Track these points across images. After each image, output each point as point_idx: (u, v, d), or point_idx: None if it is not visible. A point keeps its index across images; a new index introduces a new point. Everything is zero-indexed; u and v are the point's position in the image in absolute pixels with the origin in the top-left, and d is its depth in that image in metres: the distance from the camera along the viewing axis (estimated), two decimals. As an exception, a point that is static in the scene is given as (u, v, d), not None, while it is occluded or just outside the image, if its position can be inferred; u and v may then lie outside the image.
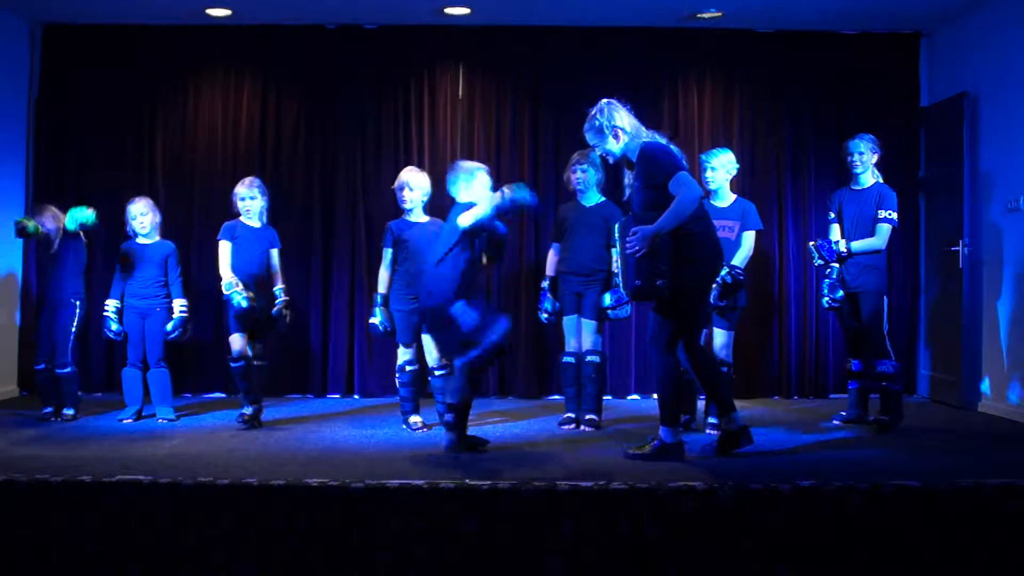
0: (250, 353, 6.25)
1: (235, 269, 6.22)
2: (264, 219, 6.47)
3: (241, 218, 6.40)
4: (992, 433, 6.19)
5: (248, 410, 6.21)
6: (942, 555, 4.20)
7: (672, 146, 5.11)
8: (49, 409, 6.46)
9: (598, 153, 5.34)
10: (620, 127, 5.03)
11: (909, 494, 4.26)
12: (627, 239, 4.85)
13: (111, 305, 6.46)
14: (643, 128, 5.11)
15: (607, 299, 6.08)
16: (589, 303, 6.13)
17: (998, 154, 7.06)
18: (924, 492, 4.28)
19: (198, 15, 7.63)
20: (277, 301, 6.38)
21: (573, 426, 6.12)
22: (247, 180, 6.46)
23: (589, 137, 5.16)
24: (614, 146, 5.07)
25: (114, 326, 6.44)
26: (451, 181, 5.55)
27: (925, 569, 4.18)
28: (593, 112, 5.11)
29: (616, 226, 5.24)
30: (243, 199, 6.38)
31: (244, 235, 6.35)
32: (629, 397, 7.83)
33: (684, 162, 5.03)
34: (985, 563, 4.20)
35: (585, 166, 6.14)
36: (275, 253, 6.47)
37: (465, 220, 5.23)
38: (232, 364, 6.21)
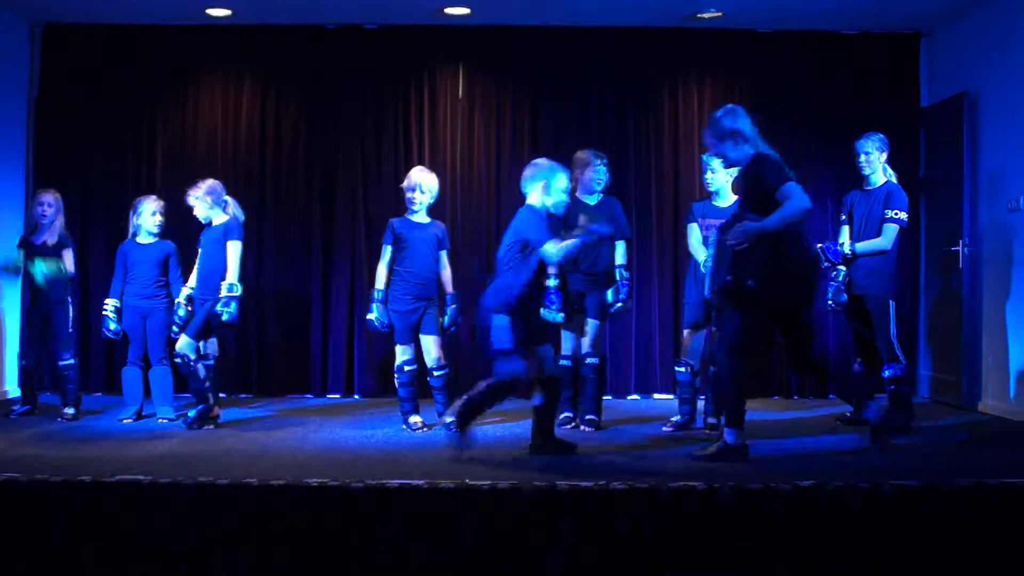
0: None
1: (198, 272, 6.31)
2: (228, 215, 6.35)
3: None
4: (992, 433, 6.18)
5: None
6: (942, 555, 4.19)
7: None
8: (25, 408, 6.54)
9: (712, 156, 5.28)
10: (741, 133, 5.02)
11: (909, 494, 4.26)
12: (729, 232, 4.83)
13: (110, 304, 6.47)
14: (759, 137, 5.09)
15: (610, 295, 6.09)
16: (594, 303, 6.12)
17: (998, 154, 7.06)
18: (924, 492, 4.28)
19: (198, 15, 7.63)
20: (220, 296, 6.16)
21: (571, 426, 6.12)
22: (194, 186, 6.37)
23: (709, 140, 5.14)
24: (732, 152, 5.06)
25: (112, 325, 6.45)
26: (531, 178, 5.32)
27: (925, 569, 4.18)
28: (718, 115, 5.10)
29: (714, 230, 5.18)
30: (191, 207, 6.33)
31: (205, 237, 6.33)
32: (629, 397, 7.83)
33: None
34: (985, 563, 4.20)
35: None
36: (229, 246, 6.21)
37: (554, 253, 5.07)
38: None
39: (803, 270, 5.01)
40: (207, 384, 6.16)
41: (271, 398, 7.54)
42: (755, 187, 4.93)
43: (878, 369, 6.19)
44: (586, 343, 6.14)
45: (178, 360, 6.12)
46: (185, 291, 6.35)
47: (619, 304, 6.14)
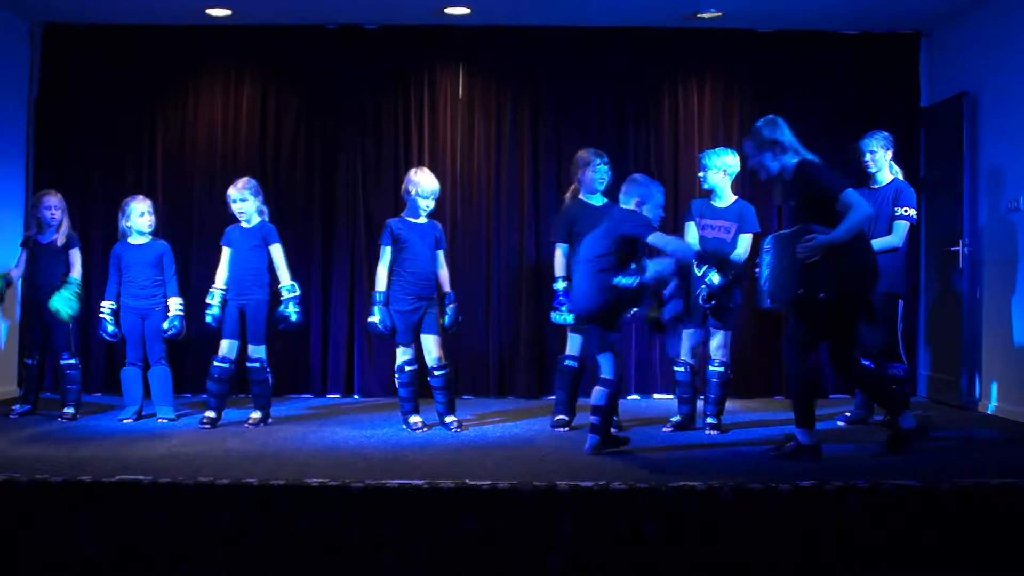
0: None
1: (229, 272, 6.33)
2: (262, 218, 6.44)
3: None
4: (992, 433, 6.18)
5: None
6: (942, 555, 4.20)
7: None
8: (25, 408, 6.55)
9: (752, 166, 5.32)
10: (781, 143, 5.07)
11: (909, 494, 4.26)
12: (799, 246, 4.87)
13: (106, 307, 6.46)
14: (800, 146, 5.13)
15: None
16: None
17: (998, 154, 7.06)
18: (924, 492, 4.28)
19: (198, 15, 7.63)
20: (283, 299, 6.31)
21: (566, 428, 6.11)
22: (239, 182, 6.45)
23: (750, 150, 5.18)
24: (771, 162, 5.11)
25: (110, 328, 6.44)
26: (626, 194, 5.40)
27: (925, 569, 4.18)
28: (759, 125, 5.16)
29: (769, 239, 5.21)
30: (234, 202, 6.38)
31: (238, 238, 6.38)
32: (629, 397, 7.83)
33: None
34: (985, 563, 4.20)
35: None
36: (274, 250, 6.36)
37: (672, 246, 5.20)
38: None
39: (866, 277, 5.05)
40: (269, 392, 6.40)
41: (271, 398, 7.54)
42: (809, 196, 4.97)
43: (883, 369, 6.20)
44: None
45: (255, 365, 6.28)
46: (217, 292, 6.30)
47: (634, 310, 6.12)
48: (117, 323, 6.46)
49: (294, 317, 6.28)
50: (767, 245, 5.16)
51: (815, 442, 5.05)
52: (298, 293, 6.33)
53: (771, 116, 5.19)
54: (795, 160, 5.06)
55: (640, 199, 5.35)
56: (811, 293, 4.89)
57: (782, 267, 4.98)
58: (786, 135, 5.09)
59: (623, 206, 5.42)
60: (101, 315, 6.46)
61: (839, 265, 4.88)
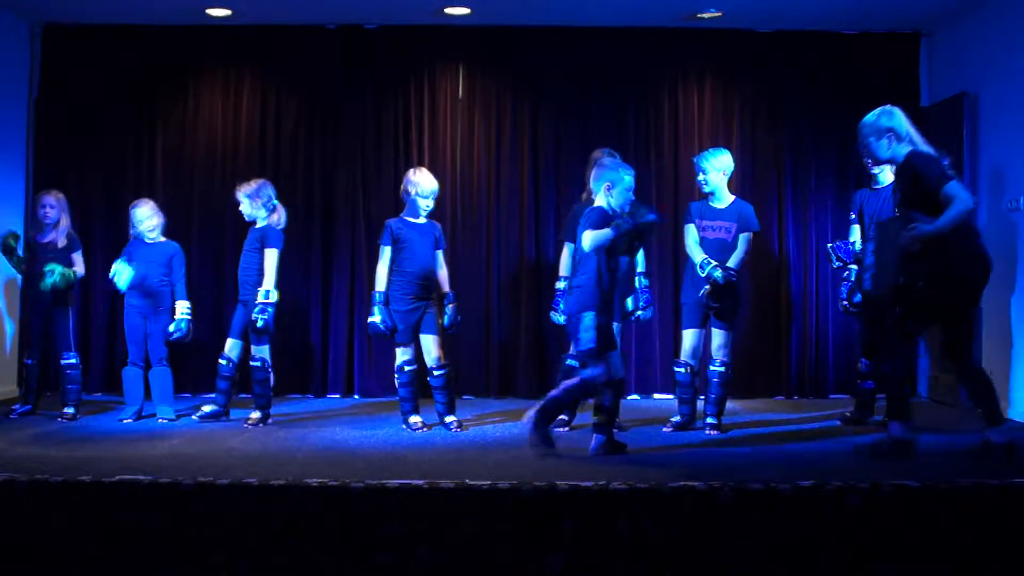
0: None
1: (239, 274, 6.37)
2: (268, 221, 6.42)
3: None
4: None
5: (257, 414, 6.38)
6: (942, 555, 4.19)
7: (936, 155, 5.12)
8: (25, 408, 6.55)
9: (864, 154, 5.33)
10: (896, 132, 5.05)
11: (909, 494, 4.26)
12: (903, 235, 4.86)
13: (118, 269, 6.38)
14: (917, 136, 5.09)
15: (629, 303, 6.08)
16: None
17: (998, 154, 7.05)
18: (924, 492, 4.28)
19: (198, 15, 7.63)
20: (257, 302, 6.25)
21: (566, 428, 6.10)
22: (245, 183, 6.47)
23: (865, 139, 5.15)
24: (884, 151, 5.10)
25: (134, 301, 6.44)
26: (596, 179, 5.38)
27: (925, 569, 4.18)
28: (876, 115, 5.12)
29: (874, 225, 5.23)
30: (238, 202, 6.41)
31: (247, 238, 6.42)
32: (629, 397, 7.82)
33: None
34: (985, 563, 4.20)
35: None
36: (268, 253, 6.31)
37: (586, 243, 5.14)
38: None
39: (971, 269, 5.03)
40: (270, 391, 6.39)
41: (271, 398, 7.53)
42: (914, 185, 4.95)
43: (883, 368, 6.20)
44: None
45: (257, 364, 6.29)
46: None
47: (639, 312, 6.14)
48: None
49: (260, 323, 6.18)
50: (871, 233, 5.18)
51: (910, 435, 5.03)
52: (272, 301, 6.23)
53: (887, 107, 5.15)
54: (906, 150, 5.04)
55: (611, 183, 5.29)
56: (912, 282, 4.88)
57: (885, 255, 4.99)
58: (901, 125, 5.06)
59: (594, 192, 5.38)
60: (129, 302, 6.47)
61: (943, 256, 4.86)
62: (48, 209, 6.54)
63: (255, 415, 6.32)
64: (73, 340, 6.56)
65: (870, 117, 5.13)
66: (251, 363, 6.34)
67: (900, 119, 5.07)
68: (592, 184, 5.44)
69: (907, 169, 5.01)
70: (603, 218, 5.18)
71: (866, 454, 5.09)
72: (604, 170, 5.38)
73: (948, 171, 4.98)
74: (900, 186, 5.08)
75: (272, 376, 6.39)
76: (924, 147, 5.06)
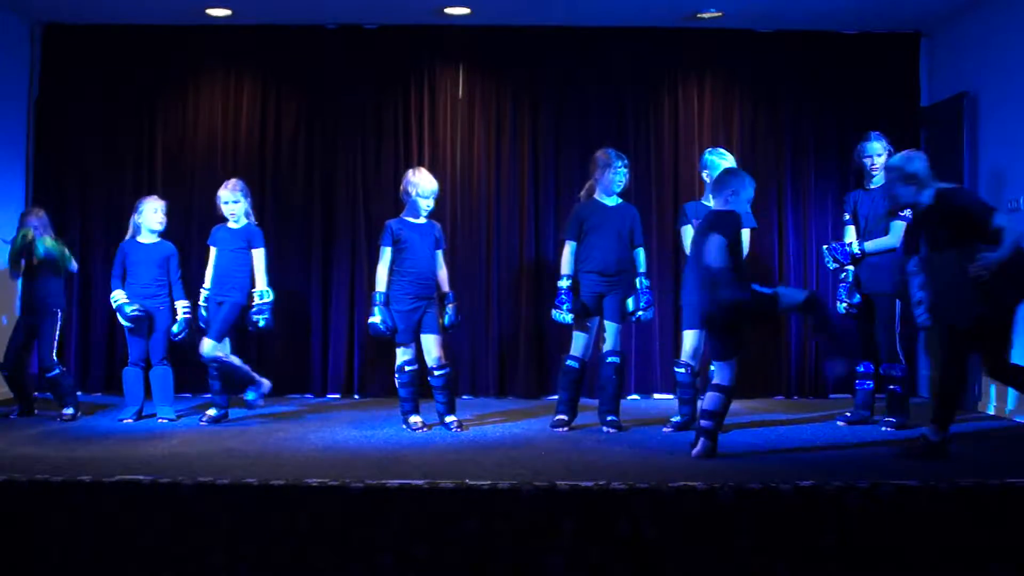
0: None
1: (214, 273, 6.37)
2: (249, 220, 6.46)
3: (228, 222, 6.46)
4: (992, 433, 6.18)
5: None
6: (942, 555, 4.20)
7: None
8: (21, 407, 6.54)
9: (888, 197, 5.49)
10: (917, 177, 5.19)
11: (909, 494, 4.27)
12: (972, 267, 4.99)
13: (119, 295, 6.41)
14: (930, 176, 5.25)
15: (630, 304, 6.09)
16: (613, 304, 6.10)
17: (998, 154, 7.06)
18: (924, 492, 4.28)
19: (198, 15, 7.63)
20: (254, 304, 6.33)
21: (565, 429, 6.10)
22: (228, 183, 6.48)
23: (892, 182, 5.29)
24: (909, 195, 5.23)
25: (128, 309, 6.36)
26: (723, 183, 5.38)
27: (925, 569, 4.19)
28: (903, 160, 5.26)
29: (913, 261, 5.40)
30: (226, 203, 6.40)
31: (224, 238, 6.41)
32: (629, 397, 7.82)
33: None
34: (985, 563, 4.20)
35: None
36: (255, 253, 6.38)
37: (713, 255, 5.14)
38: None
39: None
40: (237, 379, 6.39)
41: (271, 398, 7.53)
42: (960, 219, 5.09)
43: (881, 369, 6.21)
44: (607, 344, 6.12)
45: (214, 363, 6.26)
46: (203, 293, 6.38)
47: (640, 313, 6.14)
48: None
49: (262, 323, 6.29)
50: (912, 268, 5.37)
51: (941, 439, 5.13)
52: (270, 300, 6.34)
53: (912, 152, 5.35)
54: (932, 190, 5.17)
55: (736, 191, 5.33)
56: (995, 309, 5.03)
57: (953, 287, 5.10)
58: (923, 169, 5.21)
59: (713, 199, 5.46)
60: (116, 302, 6.43)
61: (1008, 279, 5.00)
62: (32, 230, 6.48)
63: (211, 412, 6.37)
64: (54, 352, 6.47)
65: (897, 161, 5.31)
66: (211, 362, 6.30)
67: (923, 164, 5.23)
68: (713, 185, 5.51)
69: (949, 206, 5.14)
70: (736, 224, 5.23)
71: (903, 455, 5.17)
72: (732, 177, 5.41)
73: (985, 199, 5.19)
74: (942, 222, 5.18)
75: (237, 370, 6.37)
76: (944, 184, 5.23)
